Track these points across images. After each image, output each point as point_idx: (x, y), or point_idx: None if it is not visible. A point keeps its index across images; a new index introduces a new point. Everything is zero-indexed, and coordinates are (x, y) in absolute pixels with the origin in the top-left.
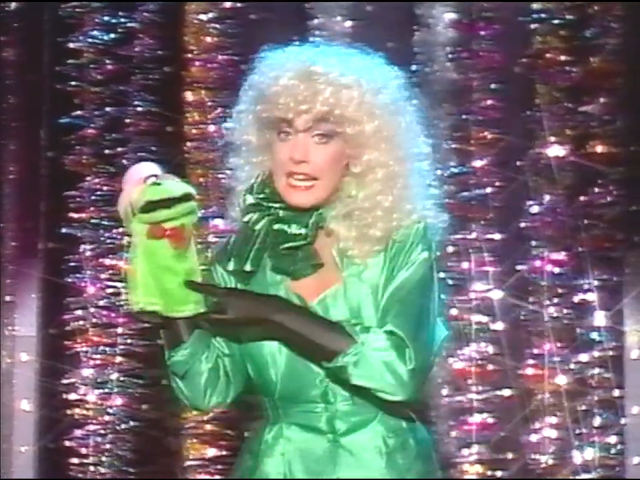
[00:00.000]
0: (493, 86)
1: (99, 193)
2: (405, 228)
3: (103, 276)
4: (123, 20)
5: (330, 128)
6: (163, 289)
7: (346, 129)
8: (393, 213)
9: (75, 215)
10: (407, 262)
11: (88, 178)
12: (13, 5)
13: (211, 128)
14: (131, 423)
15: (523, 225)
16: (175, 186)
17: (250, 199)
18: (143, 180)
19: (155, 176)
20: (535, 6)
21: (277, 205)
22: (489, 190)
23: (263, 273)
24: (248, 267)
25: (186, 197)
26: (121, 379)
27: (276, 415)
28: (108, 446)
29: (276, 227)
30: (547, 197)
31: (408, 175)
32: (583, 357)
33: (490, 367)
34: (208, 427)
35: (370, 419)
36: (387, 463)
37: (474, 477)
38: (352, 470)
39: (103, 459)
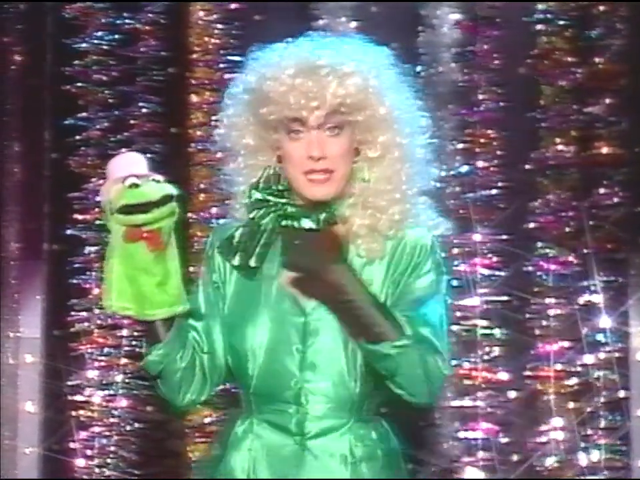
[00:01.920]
0: (497, 87)
1: None
2: (414, 237)
3: None
4: (127, 21)
5: (341, 119)
6: (138, 291)
7: (357, 117)
8: (406, 194)
9: (80, 217)
10: (413, 272)
11: (92, 179)
12: (17, 6)
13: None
14: (136, 425)
15: (528, 226)
16: (153, 189)
17: (256, 195)
18: (122, 180)
19: (136, 176)
20: (540, 6)
21: (283, 201)
22: (494, 191)
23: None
24: (253, 263)
25: (164, 200)
26: (126, 380)
27: (249, 408)
28: (113, 448)
29: (284, 223)
30: (552, 198)
31: (417, 151)
32: (589, 359)
33: (495, 369)
34: (212, 428)
35: (340, 425)
36: (352, 472)
37: (480, 478)
38: (315, 474)
39: (108, 460)
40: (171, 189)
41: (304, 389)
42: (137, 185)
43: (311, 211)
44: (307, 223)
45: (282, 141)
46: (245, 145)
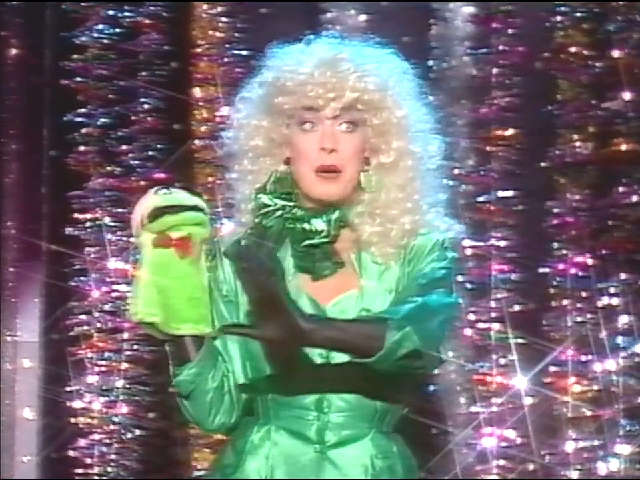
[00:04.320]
0: (513, 82)
1: (104, 193)
2: (424, 236)
3: (108, 279)
4: (128, 14)
5: (357, 116)
6: (165, 303)
7: (372, 118)
8: (418, 204)
9: (79, 216)
10: (423, 262)
11: (92, 177)
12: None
13: (220, 125)
14: (137, 432)
15: (545, 226)
16: (185, 195)
17: (263, 198)
18: (154, 191)
19: (167, 187)
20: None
21: (291, 204)
22: (508, 191)
23: None
24: None
25: (195, 208)
26: (127, 386)
27: (266, 415)
28: (113, 456)
29: (292, 225)
30: (569, 198)
31: (429, 162)
32: (608, 364)
33: (511, 375)
34: (216, 436)
35: (362, 435)
36: None
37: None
38: None
39: (108, 469)
40: (202, 202)
41: (327, 395)
42: (168, 192)
43: (320, 213)
44: (318, 224)
45: (293, 136)
46: (254, 146)
